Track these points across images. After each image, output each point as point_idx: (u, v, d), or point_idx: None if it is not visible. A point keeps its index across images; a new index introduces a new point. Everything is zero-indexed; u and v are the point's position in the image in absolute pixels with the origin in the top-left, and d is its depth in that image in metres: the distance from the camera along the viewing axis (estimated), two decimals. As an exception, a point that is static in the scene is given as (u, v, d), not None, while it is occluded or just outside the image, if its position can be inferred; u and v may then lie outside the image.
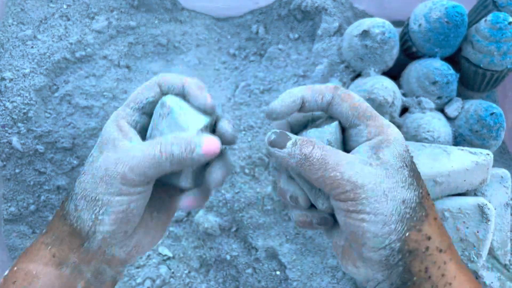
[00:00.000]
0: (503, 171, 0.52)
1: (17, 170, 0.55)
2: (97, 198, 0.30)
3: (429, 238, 0.28)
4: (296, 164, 0.29)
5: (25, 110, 0.55)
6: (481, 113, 0.50)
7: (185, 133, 0.31)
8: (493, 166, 0.59)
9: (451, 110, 0.53)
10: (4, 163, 0.55)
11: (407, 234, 0.28)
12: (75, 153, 0.57)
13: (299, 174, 0.31)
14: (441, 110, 0.54)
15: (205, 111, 0.33)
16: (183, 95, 0.33)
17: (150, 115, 0.34)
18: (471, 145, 0.52)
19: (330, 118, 0.33)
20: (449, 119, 0.53)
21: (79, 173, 0.32)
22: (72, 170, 0.58)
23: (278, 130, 0.31)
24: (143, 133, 0.34)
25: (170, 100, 0.32)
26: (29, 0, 0.61)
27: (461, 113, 0.53)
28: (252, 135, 0.57)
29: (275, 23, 0.66)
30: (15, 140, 0.54)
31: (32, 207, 0.56)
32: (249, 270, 0.57)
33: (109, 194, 0.30)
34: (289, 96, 0.32)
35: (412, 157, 0.31)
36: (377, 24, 0.51)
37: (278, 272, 0.57)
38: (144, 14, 0.64)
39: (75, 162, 0.57)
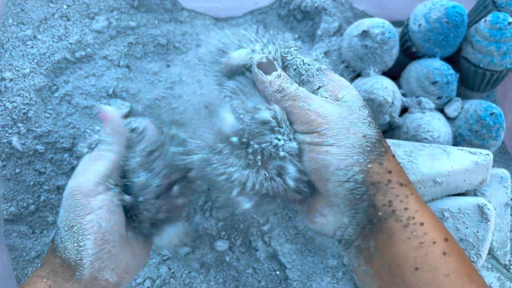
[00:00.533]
0: (502, 171, 0.52)
1: (17, 170, 0.55)
2: (72, 225, 0.32)
3: (390, 172, 0.29)
4: (272, 92, 0.31)
5: (25, 110, 0.55)
6: (480, 113, 0.50)
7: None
8: (493, 166, 0.59)
9: (451, 110, 0.53)
10: (4, 163, 0.55)
11: (369, 165, 0.28)
12: (75, 153, 0.57)
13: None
14: (441, 110, 0.54)
15: None
16: None
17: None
18: (471, 145, 0.52)
19: None
20: (449, 119, 0.53)
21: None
22: (72, 170, 0.58)
23: (270, 58, 0.33)
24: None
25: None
26: (29, 0, 0.61)
27: (461, 113, 0.53)
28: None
29: (275, 23, 0.66)
30: (15, 140, 0.54)
31: (32, 207, 0.56)
32: (249, 270, 0.57)
33: (79, 217, 0.32)
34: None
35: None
36: (377, 24, 0.51)
37: (278, 272, 0.57)
38: (144, 14, 0.64)
39: (75, 162, 0.57)
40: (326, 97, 0.32)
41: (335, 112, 0.30)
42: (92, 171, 0.33)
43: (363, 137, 0.29)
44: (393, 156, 0.30)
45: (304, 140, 0.30)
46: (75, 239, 0.32)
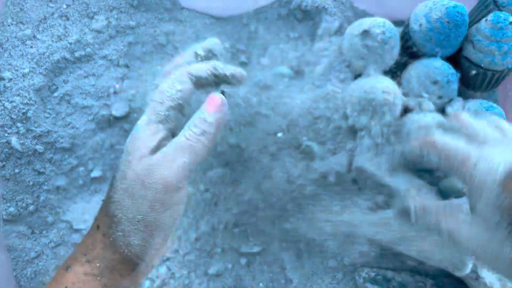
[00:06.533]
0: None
1: (16, 170, 0.55)
2: (143, 220, 0.28)
3: None
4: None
5: (24, 110, 0.55)
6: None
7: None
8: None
9: (452, 110, 0.53)
10: (3, 163, 0.55)
11: None
12: (74, 153, 0.57)
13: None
14: (442, 110, 0.54)
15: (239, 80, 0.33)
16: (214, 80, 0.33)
17: (179, 108, 0.32)
18: (472, 145, 0.52)
19: None
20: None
21: (110, 188, 0.30)
22: (72, 170, 0.57)
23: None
24: (173, 128, 0.32)
25: None
26: (28, 0, 0.61)
27: (462, 113, 0.53)
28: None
29: (275, 22, 0.66)
30: (14, 140, 0.54)
31: (31, 207, 0.56)
32: (249, 270, 0.57)
33: (155, 212, 0.28)
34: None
35: None
36: (378, 24, 0.51)
37: (278, 273, 0.57)
38: (143, 13, 0.64)
39: (74, 162, 0.57)
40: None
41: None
42: (179, 164, 0.28)
43: None
44: None
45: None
46: (145, 235, 0.28)
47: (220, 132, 0.31)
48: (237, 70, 0.33)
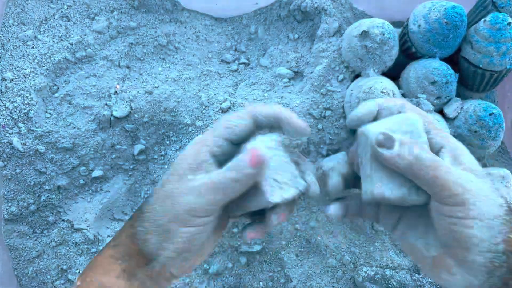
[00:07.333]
0: (504, 171, 0.52)
1: (17, 170, 0.55)
2: (163, 226, 0.31)
3: None
4: (405, 165, 0.30)
5: (25, 110, 0.55)
6: (480, 114, 0.50)
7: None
8: (493, 166, 0.60)
9: (450, 110, 0.53)
10: (5, 163, 0.55)
11: (509, 235, 0.28)
12: (75, 153, 0.57)
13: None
14: (440, 110, 0.54)
15: (302, 134, 0.34)
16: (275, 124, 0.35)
17: (235, 143, 0.34)
18: (470, 145, 0.52)
19: None
20: (448, 119, 0.53)
21: (152, 191, 0.33)
22: (73, 170, 0.58)
23: (384, 132, 0.31)
24: (222, 159, 0.34)
25: None
26: (29, 1, 0.61)
27: (460, 114, 0.53)
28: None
29: (275, 23, 0.66)
30: (15, 140, 0.55)
31: (32, 207, 0.56)
32: (249, 269, 0.57)
33: (175, 224, 0.31)
34: (367, 106, 0.34)
35: None
36: (377, 25, 0.52)
37: (278, 272, 0.57)
38: (144, 14, 0.64)
39: (75, 162, 0.57)
40: (451, 161, 0.30)
41: (475, 183, 0.29)
42: (208, 200, 0.31)
43: (500, 207, 0.29)
44: None
45: (442, 210, 0.29)
46: (161, 238, 0.31)
47: (254, 182, 0.33)
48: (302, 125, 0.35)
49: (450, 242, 0.29)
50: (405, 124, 0.32)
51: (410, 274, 0.55)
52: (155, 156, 0.59)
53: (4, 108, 0.55)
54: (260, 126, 0.35)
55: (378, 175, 0.32)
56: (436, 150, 0.31)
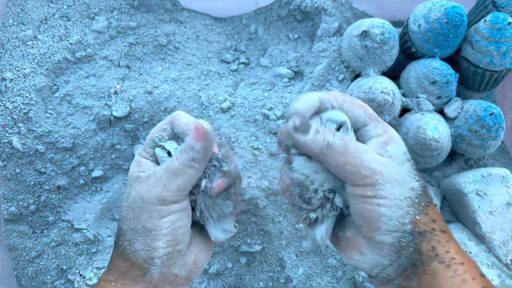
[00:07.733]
0: (504, 171, 0.52)
1: (17, 170, 0.55)
2: (143, 228, 0.32)
3: (434, 221, 0.31)
4: (318, 150, 0.31)
5: (25, 110, 0.55)
6: (480, 113, 0.50)
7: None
8: (493, 165, 0.60)
9: (451, 110, 0.53)
10: (5, 163, 0.55)
11: (417, 217, 0.30)
12: (75, 153, 0.57)
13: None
14: (441, 110, 0.54)
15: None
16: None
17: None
18: (471, 145, 0.52)
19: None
20: (448, 119, 0.53)
21: (121, 209, 0.34)
22: (73, 170, 0.58)
23: (300, 117, 0.32)
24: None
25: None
26: (29, 1, 0.61)
27: (460, 114, 0.53)
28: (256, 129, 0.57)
29: (275, 23, 0.66)
30: (15, 140, 0.54)
31: (32, 207, 0.56)
32: (249, 269, 0.57)
33: (153, 219, 0.32)
34: (308, 98, 0.34)
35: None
36: (377, 25, 0.52)
37: (278, 272, 0.57)
38: (144, 14, 0.64)
39: (75, 162, 0.57)
40: (375, 148, 0.32)
41: (388, 166, 0.31)
42: (173, 186, 0.32)
43: (411, 190, 0.31)
44: (435, 204, 0.33)
45: (354, 192, 0.31)
46: (147, 240, 0.32)
47: (211, 154, 0.34)
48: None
49: (362, 222, 0.31)
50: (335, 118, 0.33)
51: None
52: (155, 156, 0.59)
53: (4, 108, 0.55)
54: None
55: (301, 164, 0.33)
56: (367, 139, 0.33)
